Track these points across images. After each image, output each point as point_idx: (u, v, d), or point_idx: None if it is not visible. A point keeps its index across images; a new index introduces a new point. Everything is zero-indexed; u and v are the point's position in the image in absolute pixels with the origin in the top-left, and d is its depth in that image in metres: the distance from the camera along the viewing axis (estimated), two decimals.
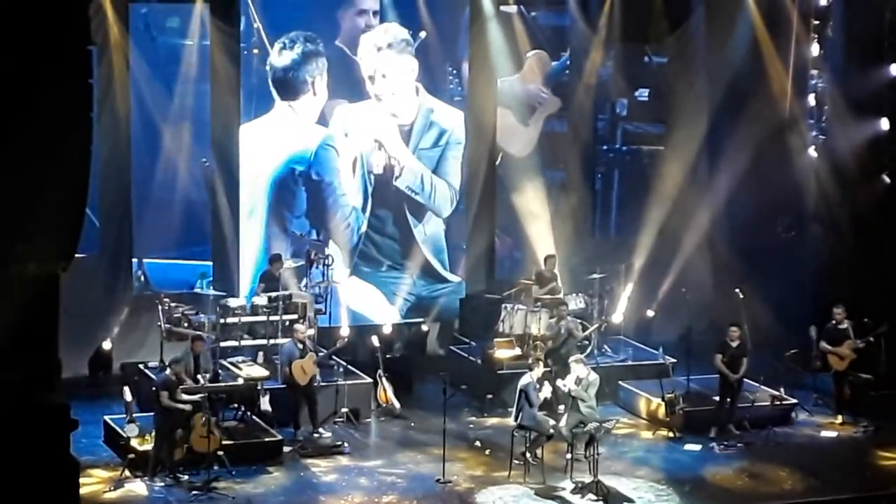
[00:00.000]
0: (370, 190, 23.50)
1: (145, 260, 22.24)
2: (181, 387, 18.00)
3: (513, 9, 23.98)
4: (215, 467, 17.77)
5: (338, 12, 23.22)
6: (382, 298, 23.66)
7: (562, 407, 18.92)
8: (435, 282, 24.00)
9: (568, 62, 24.63)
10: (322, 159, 23.13)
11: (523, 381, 18.58)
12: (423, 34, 23.40)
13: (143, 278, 22.28)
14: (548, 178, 24.47)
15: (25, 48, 9.76)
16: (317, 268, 21.91)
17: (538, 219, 24.04)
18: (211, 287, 21.95)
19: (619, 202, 25.31)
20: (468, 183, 24.11)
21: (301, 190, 23.14)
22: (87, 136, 10.17)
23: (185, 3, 22.08)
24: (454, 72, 24.04)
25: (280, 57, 22.66)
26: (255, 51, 22.62)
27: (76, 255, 10.33)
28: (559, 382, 18.83)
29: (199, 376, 18.64)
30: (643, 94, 25.11)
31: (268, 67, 22.64)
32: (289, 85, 22.81)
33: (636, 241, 24.21)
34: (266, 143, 22.78)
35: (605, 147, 25.21)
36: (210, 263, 22.59)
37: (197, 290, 22.26)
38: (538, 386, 18.52)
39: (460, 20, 24.03)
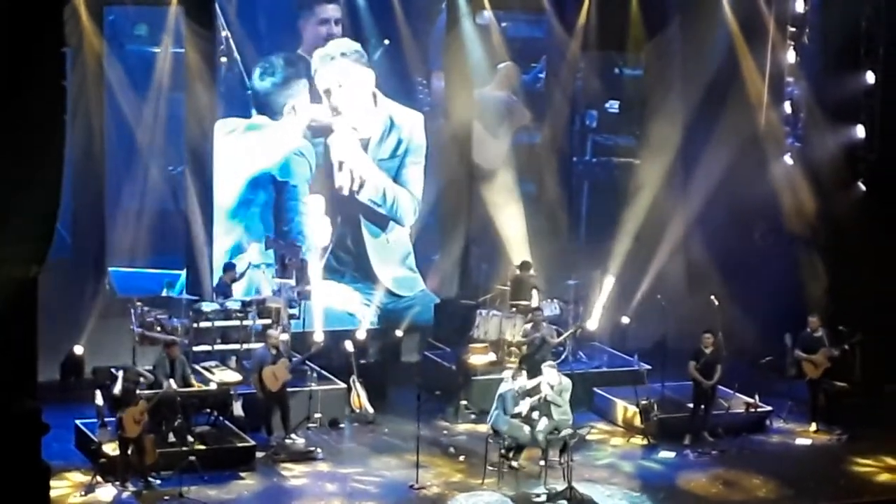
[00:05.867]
0: (334, 204, 23.53)
1: (111, 268, 22.09)
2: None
3: (488, 19, 23.89)
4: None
5: (299, 22, 23.13)
6: (354, 304, 23.66)
7: (536, 413, 18.87)
8: (401, 293, 24.00)
9: (540, 73, 24.58)
10: (293, 167, 23.09)
11: (503, 387, 18.60)
12: (386, 42, 23.32)
13: (108, 287, 22.11)
14: (521, 189, 24.40)
15: None
16: (291, 272, 21.80)
17: (512, 228, 23.98)
18: (184, 292, 21.87)
19: (592, 211, 25.24)
20: (440, 193, 24.04)
21: (272, 195, 23.09)
22: (61, 139, 10.10)
23: (159, 7, 21.96)
24: (424, 82, 23.96)
25: (262, 82, 22.67)
26: (224, 59, 22.53)
27: (48, 260, 10.27)
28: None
29: (172, 381, 18.57)
30: (613, 105, 25.09)
31: (249, 91, 22.64)
32: (269, 108, 22.79)
33: (611, 248, 24.15)
34: (241, 148, 22.71)
35: (574, 159, 25.16)
36: (180, 272, 22.48)
37: (169, 294, 22.17)
38: (518, 394, 18.49)
39: (431, 30, 23.95)
